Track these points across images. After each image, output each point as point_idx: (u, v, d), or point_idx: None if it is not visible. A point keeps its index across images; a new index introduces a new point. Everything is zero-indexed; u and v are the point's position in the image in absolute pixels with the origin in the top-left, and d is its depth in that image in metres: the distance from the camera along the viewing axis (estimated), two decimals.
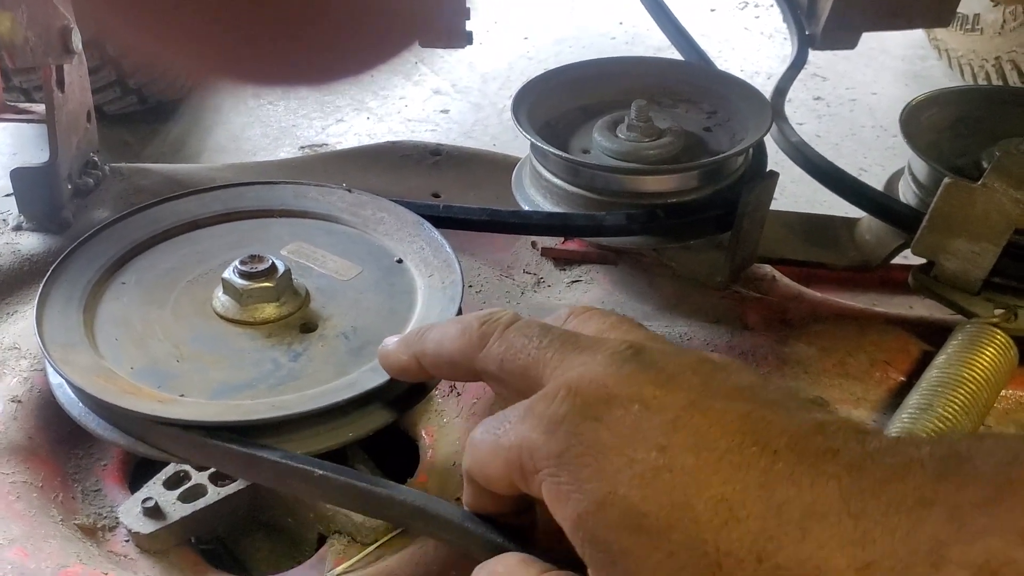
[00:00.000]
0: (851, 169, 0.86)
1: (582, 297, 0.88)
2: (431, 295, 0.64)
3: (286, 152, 1.54)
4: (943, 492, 0.34)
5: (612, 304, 0.86)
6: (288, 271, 0.62)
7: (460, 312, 0.63)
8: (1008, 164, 0.71)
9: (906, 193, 0.84)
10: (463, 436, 0.74)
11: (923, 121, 0.85)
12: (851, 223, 0.88)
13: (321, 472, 0.51)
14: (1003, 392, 0.74)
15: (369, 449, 0.71)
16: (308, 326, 0.61)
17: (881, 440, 0.36)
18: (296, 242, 0.68)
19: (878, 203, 0.81)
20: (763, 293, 0.85)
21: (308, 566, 0.63)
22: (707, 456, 0.36)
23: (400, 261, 0.67)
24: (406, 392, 0.59)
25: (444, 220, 0.74)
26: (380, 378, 0.55)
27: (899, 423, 0.65)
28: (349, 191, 0.72)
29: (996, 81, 1.67)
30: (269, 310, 0.61)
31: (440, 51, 1.40)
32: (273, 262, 0.61)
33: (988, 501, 0.33)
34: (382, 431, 0.71)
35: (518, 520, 0.47)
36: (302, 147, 1.55)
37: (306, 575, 0.62)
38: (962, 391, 0.66)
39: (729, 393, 0.39)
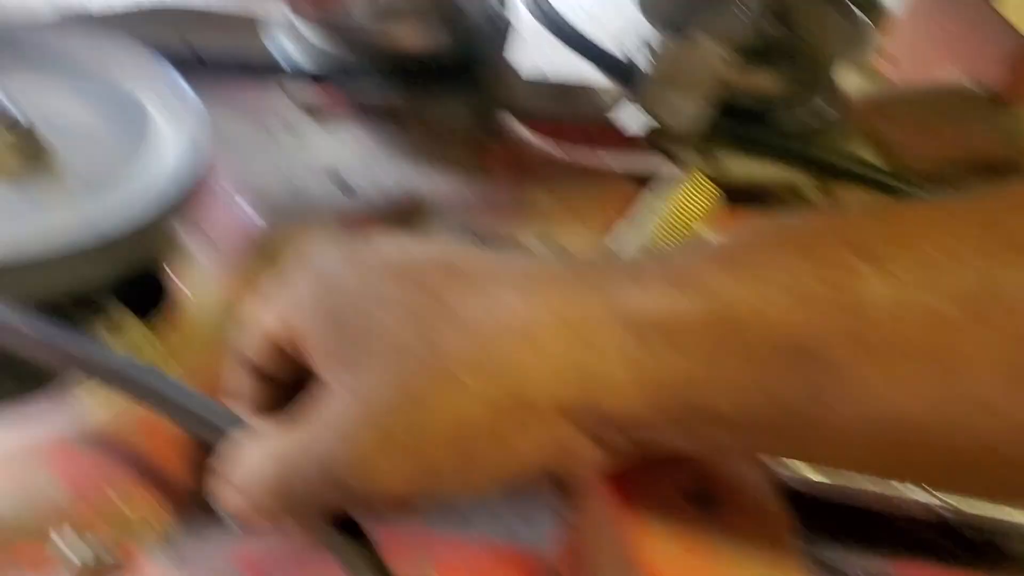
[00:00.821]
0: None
1: (338, 149, 0.90)
2: (171, 134, 0.65)
3: None
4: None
5: (366, 157, 0.89)
6: (14, 114, 0.61)
7: (201, 152, 0.65)
8: (716, 22, 0.79)
9: (636, 55, 0.91)
10: (213, 280, 0.76)
11: None
12: (591, 84, 0.94)
13: (28, 329, 0.51)
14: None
15: (118, 292, 0.73)
16: (42, 168, 0.61)
17: None
18: (27, 87, 0.67)
19: (607, 62, 0.87)
20: (507, 145, 0.91)
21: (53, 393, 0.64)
22: None
23: (139, 102, 0.68)
24: (148, 234, 0.61)
25: (190, 64, 0.75)
26: (117, 219, 0.57)
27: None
28: (87, 33, 0.71)
29: None
30: None
31: None
32: None
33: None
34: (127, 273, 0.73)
35: None
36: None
37: (50, 402, 0.64)
38: (662, 227, 0.75)
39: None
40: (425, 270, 0.41)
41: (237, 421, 0.46)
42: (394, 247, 0.44)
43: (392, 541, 0.55)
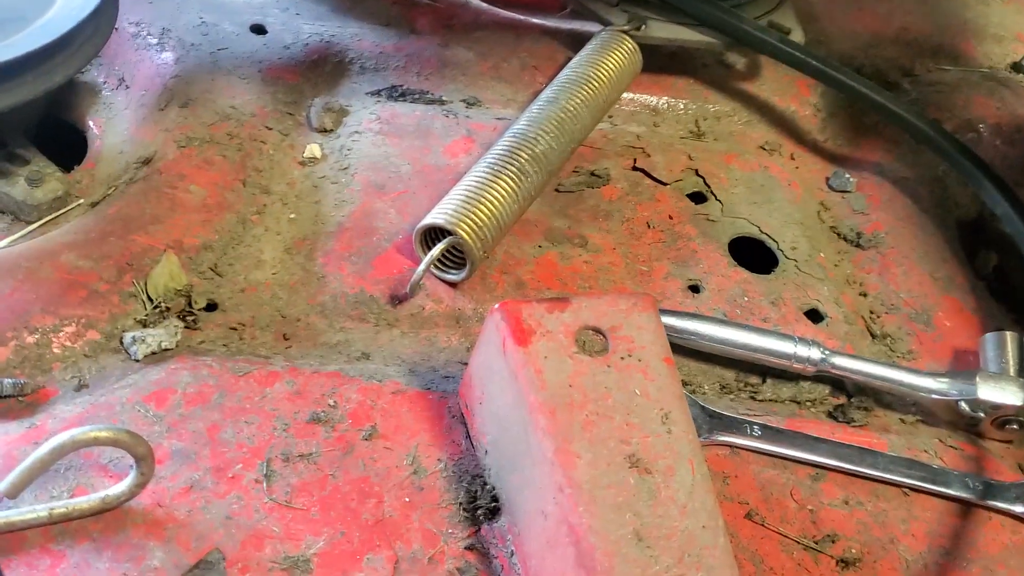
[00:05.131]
0: None
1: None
2: None
3: None
4: None
5: (291, 7, 0.88)
6: None
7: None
8: None
9: None
10: (131, 127, 0.76)
11: None
12: None
13: None
14: (628, 96, 0.84)
15: (36, 139, 0.72)
16: None
17: None
18: None
19: None
20: (432, 0, 0.90)
21: None
22: None
23: None
24: (47, 69, 0.60)
25: None
26: (17, 52, 0.57)
27: (527, 115, 0.73)
28: None
29: None
30: None
31: None
32: None
33: None
34: (45, 120, 0.72)
35: None
36: None
37: None
38: (586, 88, 0.75)
39: None
40: None
41: None
42: None
43: (305, 378, 0.57)
